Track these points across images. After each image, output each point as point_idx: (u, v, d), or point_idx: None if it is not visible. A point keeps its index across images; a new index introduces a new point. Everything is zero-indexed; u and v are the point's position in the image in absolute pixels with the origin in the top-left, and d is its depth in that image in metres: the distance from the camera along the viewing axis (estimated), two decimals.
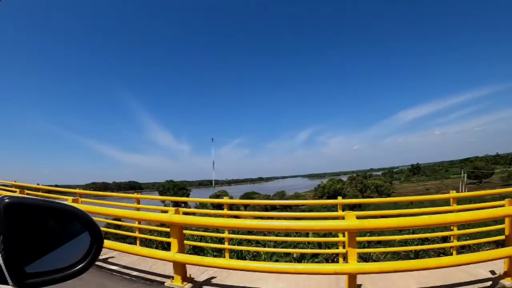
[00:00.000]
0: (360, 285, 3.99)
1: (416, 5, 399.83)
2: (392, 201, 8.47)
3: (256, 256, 7.02)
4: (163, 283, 4.61)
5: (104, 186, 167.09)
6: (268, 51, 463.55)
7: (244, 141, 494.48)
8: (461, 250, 7.42)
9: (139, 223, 7.03)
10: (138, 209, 7.16)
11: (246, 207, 40.26)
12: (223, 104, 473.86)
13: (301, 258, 7.36)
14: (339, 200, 6.45)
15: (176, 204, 32.87)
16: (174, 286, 4.24)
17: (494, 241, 6.97)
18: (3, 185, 11.44)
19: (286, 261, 6.86)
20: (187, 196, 54.26)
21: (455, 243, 5.96)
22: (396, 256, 7.29)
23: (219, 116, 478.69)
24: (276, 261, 6.71)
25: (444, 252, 7.40)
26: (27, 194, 9.72)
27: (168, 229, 5.28)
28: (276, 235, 6.52)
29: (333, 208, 8.94)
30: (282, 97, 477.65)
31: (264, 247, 7.33)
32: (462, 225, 6.33)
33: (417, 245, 7.40)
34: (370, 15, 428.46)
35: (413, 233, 8.11)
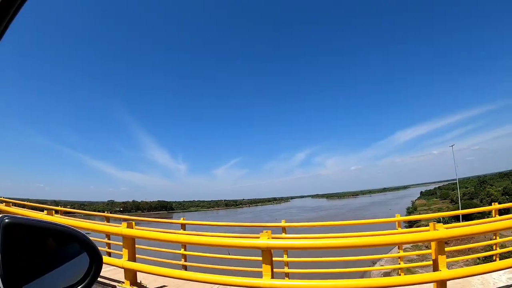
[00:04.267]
0: None
1: (410, 24, 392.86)
2: None
3: None
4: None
5: (135, 206, 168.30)
6: (265, 73, 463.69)
7: (241, 162, 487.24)
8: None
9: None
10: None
11: None
12: (221, 125, 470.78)
13: None
14: None
15: None
16: None
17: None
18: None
19: None
20: None
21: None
22: None
23: (216, 136, 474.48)
24: None
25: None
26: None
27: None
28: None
29: None
30: (278, 118, 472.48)
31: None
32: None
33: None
34: (361, 36, 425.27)
35: None
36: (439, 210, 65.11)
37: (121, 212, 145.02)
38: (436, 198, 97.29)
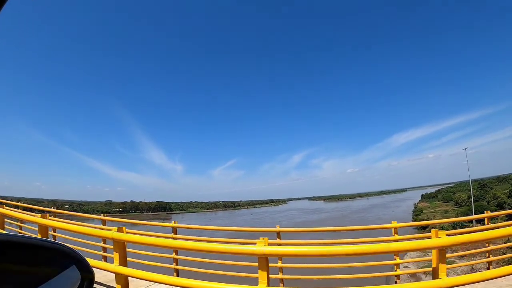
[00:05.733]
0: None
1: (408, 27, 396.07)
2: None
3: None
4: None
5: (134, 206, 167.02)
6: (264, 75, 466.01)
7: (237, 163, 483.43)
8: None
9: None
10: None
11: None
12: (218, 127, 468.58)
13: None
14: None
15: None
16: None
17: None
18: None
19: None
20: None
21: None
22: None
23: (213, 137, 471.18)
24: None
25: None
26: None
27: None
28: None
29: None
30: (274, 120, 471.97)
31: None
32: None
33: None
34: (362, 37, 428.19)
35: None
36: (445, 212, 62.98)
37: (120, 212, 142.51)
38: (438, 201, 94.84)
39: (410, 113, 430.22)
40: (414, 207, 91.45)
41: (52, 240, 1.19)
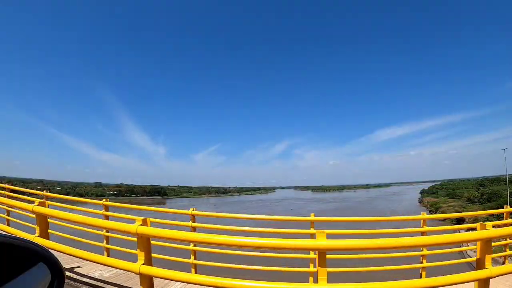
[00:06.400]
0: None
1: (400, 21, 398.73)
2: None
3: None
4: None
5: (130, 190, 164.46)
6: (250, 65, 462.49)
7: (220, 149, 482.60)
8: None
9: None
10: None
11: None
12: (201, 112, 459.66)
13: None
14: None
15: None
16: None
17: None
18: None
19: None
20: None
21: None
22: None
23: (196, 122, 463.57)
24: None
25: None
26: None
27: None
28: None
29: None
30: (259, 108, 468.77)
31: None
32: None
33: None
34: (353, 30, 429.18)
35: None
36: (463, 207, 62.54)
37: (115, 196, 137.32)
38: (443, 197, 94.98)
39: (394, 111, 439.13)
40: (419, 202, 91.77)
41: (21, 237, 0.76)
